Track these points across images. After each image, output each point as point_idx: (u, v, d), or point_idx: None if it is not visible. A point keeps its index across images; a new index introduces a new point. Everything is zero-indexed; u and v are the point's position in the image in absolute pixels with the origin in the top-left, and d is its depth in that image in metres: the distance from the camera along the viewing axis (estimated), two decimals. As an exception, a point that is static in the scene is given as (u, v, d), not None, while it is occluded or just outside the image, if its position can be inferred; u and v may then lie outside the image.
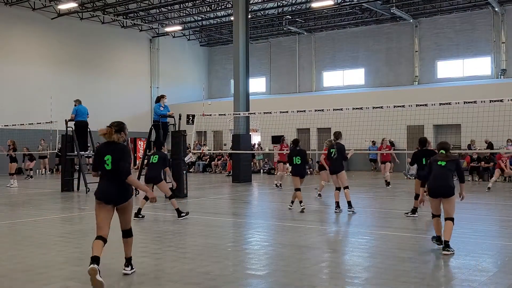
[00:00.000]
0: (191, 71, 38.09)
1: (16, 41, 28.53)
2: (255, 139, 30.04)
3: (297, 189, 11.86)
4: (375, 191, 16.80)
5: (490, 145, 21.67)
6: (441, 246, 7.36)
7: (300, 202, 11.70)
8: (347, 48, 33.03)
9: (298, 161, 11.98)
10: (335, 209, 11.63)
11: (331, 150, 11.84)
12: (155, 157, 11.19)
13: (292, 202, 12.12)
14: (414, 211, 10.73)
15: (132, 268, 6.28)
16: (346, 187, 11.63)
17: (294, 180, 11.97)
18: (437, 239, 7.64)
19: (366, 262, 7.00)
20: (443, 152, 7.67)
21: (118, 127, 5.99)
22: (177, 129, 16.09)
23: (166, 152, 12.03)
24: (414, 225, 10.04)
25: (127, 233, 6.26)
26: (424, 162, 9.98)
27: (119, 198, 5.97)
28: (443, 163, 7.54)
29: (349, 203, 11.49)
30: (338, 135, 11.95)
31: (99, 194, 5.97)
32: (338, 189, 11.82)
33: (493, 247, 7.96)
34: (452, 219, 7.41)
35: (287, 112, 19.07)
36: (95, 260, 5.69)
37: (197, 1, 30.18)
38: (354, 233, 9.35)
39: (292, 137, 28.35)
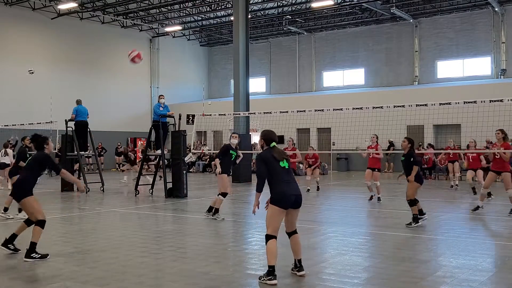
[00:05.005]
0: (191, 71, 38.10)
1: (16, 41, 28.53)
2: (255, 139, 30.04)
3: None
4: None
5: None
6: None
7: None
8: (347, 48, 33.03)
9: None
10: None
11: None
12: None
13: None
14: (416, 218, 9.73)
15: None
16: None
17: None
18: (270, 272, 5.70)
19: (366, 262, 7.00)
20: (275, 144, 6.09)
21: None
22: (177, 129, 16.08)
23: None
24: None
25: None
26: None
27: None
28: (286, 165, 6.00)
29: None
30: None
31: None
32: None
33: (493, 247, 7.96)
34: (296, 231, 6.09)
35: (287, 112, 19.06)
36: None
37: (197, 1, 30.18)
38: (354, 233, 9.35)
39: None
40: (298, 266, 6.06)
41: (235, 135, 11.07)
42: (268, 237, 5.80)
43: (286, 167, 5.98)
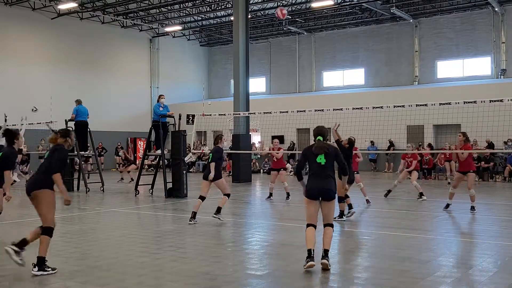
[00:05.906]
0: (191, 71, 38.08)
1: (16, 41, 28.52)
2: (255, 139, 30.04)
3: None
4: (374, 191, 16.78)
5: (490, 145, 21.64)
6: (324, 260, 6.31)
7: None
8: (347, 48, 33.02)
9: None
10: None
11: None
12: None
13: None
14: (342, 214, 10.50)
15: (41, 270, 6.19)
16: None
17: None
18: (308, 255, 6.35)
19: (366, 262, 7.00)
20: (320, 138, 6.59)
21: (63, 133, 6.72)
22: (177, 129, 16.09)
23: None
24: (414, 225, 10.05)
25: (43, 230, 6.41)
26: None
27: (30, 186, 6.45)
28: (323, 161, 6.49)
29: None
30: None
31: None
32: None
33: (493, 247, 7.95)
34: (332, 225, 6.60)
35: (287, 112, 19.07)
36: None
37: (197, 1, 30.17)
38: (354, 233, 9.35)
39: (292, 137, 28.68)
40: (323, 255, 6.44)
41: (224, 137, 11.26)
42: (307, 226, 6.56)
43: (322, 163, 6.50)
